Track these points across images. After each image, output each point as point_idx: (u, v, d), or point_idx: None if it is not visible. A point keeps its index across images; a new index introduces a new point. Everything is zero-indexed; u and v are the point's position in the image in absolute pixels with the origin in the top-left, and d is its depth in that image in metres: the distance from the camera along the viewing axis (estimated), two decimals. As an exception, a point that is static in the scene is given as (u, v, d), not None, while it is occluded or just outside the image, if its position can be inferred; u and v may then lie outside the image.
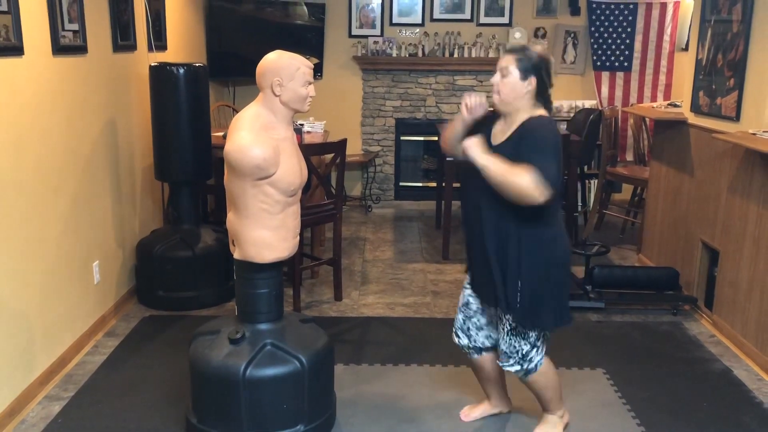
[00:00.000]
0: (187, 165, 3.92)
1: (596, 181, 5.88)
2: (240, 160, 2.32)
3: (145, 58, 4.25)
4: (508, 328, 2.50)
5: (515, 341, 2.50)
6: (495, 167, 2.24)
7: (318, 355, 2.56)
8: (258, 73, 2.44)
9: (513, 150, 2.27)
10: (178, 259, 3.93)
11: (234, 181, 2.42)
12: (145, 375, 3.20)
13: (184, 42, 5.15)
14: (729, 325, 3.64)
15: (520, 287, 2.37)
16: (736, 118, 3.58)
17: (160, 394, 3.03)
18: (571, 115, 6.27)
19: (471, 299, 2.62)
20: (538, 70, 2.31)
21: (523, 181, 2.16)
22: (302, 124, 4.80)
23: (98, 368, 3.26)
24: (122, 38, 3.92)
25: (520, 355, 2.52)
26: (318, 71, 6.33)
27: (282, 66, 2.39)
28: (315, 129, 5.01)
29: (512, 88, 2.31)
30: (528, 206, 2.20)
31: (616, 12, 6.27)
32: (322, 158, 4.43)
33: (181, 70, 3.82)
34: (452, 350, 3.52)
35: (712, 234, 3.85)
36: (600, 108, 6.31)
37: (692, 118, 4.13)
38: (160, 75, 3.84)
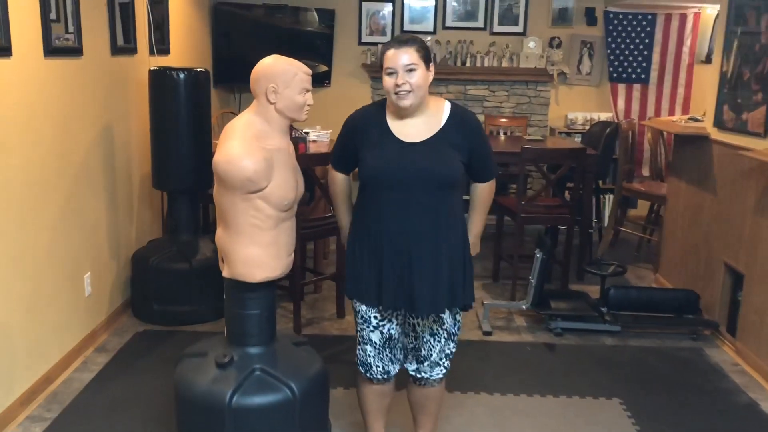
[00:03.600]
0: (186, 174, 3.77)
1: (611, 196, 5.68)
2: (229, 171, 2.16)
3: (145, 62, 4.11)
4: (444, 333, 2.36)
5: (447, 345, 2.39)
6: (483, 220, 2.43)
7: (311, 383, 2.39)
8: (252, 79, 2.28)
9: (449, 142, 2.22)
10: (175, 272, 3.77)
11: (223, 195, 2.25)
12: (134, 394, 3.04)
13: (188, 46, 5.02)
14: (754, 354, 3.43)
15: (466, 272, 2.32)
16: (764, 134, 3.38)
17: (150, 415, 2.86)
18: (587, 128, 6.08)
19: (393, 331, 2.39)
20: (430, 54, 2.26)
21: (492, 194, 2.42)
22: (307, 133, 4.64)
23: (86, 386, 3.10)
24: (121, 41, 3.78)
25: (448, 357, 2.42)
26: (326, 78, 6.18)
27: (278, 71, 2.23)
28: (321, 138, 4.85)
29: (424, 81, 2.18)
30: (454, 190, 2.27)
31: (634, 22, 6.09)
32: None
33: (182, 75, 3.68)
34: (462, 372, 3.32)
35: (737, 256, 3.64)
36: (616, 121, 6.12)
37: (715, 134, 3.93)
38: (160, 80, 3.70)
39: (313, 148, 4.53)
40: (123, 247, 3.90)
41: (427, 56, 2.20)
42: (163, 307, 3.80)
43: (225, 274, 2.36)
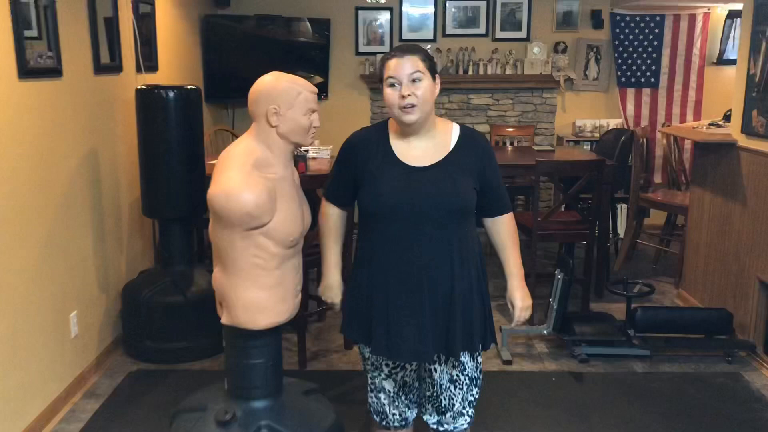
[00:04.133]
0: (178, 200, 3.50)
1: (623, 205, 5.43)
2: (226, 207, 1.89)
3: (132, 81, 3.84)
4: (466, 380, 2.11)
5: (470, 391, 2.13)
6: (519, 257, 2.16)
7: (325, 440, 2.12)
8: (250, 100, 2.02)
9: (460, 166, 1.99)
10: (168, 305, 3.50)
11: (220, 232, 1.99)
12: (125, 448, 2.76)
13: (177, 62, 4.76)
14: (798, 379, 3.17)
15: (485, 307, 2.10)
16: (802, 141, 3.14)
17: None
18: (596, 135, 5.85)
19: (407, 378, 2.15)
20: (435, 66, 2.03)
21: (515, 227, 2.16)
22: (306, 151, 4.38)
23: (72, 439, 2.82)
24: (105, 59, 3.52)
25: (472, 405, 2.16)
26: (323, 91, 5.92)
27: (280, 91, 1.97)
28: (321, 155, 4.59)
29: (431, 94, 1.95)
30: (467, 220, 2.04)
31: (642, 24, 5.86)
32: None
33: (171, 94, 3.41)
34: (484, 408, 3.07)
35: (773, 272, 3.38)
36: (626, 127, 5.88)
37: (743, 141, 3.68)
38: (147, 99, 3.43)
39: (313, 167, 4.26)
40: (112, 280, 3.62)
41: (432, 67, 1.96)
42: (156, 344, 3.51)
43: (224, 320, 2.09)
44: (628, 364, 3.53)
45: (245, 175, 1.91)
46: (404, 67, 1.90)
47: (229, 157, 1.98)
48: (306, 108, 2.00)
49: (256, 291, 2.01)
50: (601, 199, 4.03)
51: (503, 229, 2.12)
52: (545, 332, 3.65)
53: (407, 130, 1.99)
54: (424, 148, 2.01)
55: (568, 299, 3.59)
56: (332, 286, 2.13)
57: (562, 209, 4.53)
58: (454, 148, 2.01)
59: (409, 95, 1.90)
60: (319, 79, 5.90)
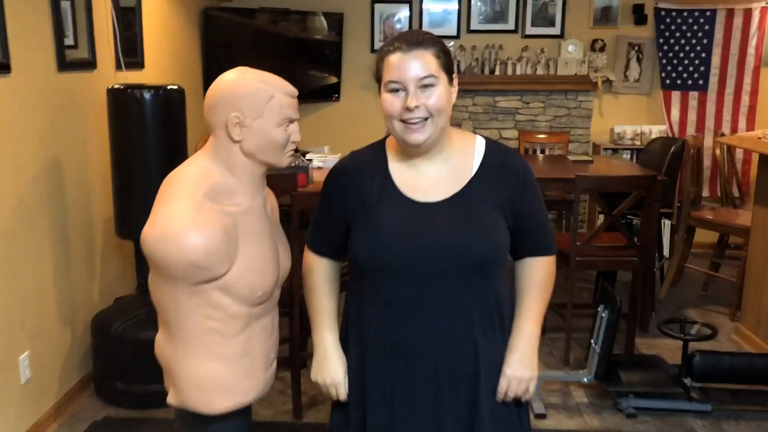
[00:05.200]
0: (156, 218, 2.99)
1: (666, 221, 4.83)
2: (165, 253, 1.36)
3: (109, 79, 3.35)
4: None
5: None
6: (538, 316, 1.57)
7: None
8: (206, 105, 1.49)
9: (486, 198, 1.48)
10: (142, 342, 2.97)
11: (160, 286, 1.46)
12: None
13: (169, 59, 4.26)
14: None
15: None
16: None
17: None
18: (636, 143, 5.26)
19: None
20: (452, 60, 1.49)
21: (552, 276, 1.60)
22: (310, 160, 3.85)
23: None
24: (74, 54, 3.03)
25: None
26: (335, 92, 5.40)
27: (244, 93, 1.45)
28: (328, 164, 4.06)
29: (447, 103, 1.44)
30: (497, 272, 1.51)
31: (690, 20, 5.25)
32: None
33: (147, 95, 2.91)
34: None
35: None
36: (671, 134, 5.28)
37: (826, 155, 3.09)
38: (120, 100, 2.93)
39: (317, 178, 3.73)
40: (81, 310, 3.12)
41: (449, 64, 1.43)
42: (129, 387, 3.01)
43: (171, 400, 1.56)
44: (685, 420, 2.95)
45: (194, 209, 1.38)
46: (411, 67, 1.38)
47: (174, 183, 1.45)
48: (281, 117, 1.47)
49: (212, 364, 1.49)
50: (651, 220, 3.45)
51: (536, 274, 1.58)
52: (585, 380, 3.09)
53: (413, 152, 1.47)
54: (435, 175, 1.48)
55: (613, 342, 3.02)
56: (334, 377, 1.57)
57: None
58: (477, 172, 1.49)
59: (417, 107, 1.38)
60: (333, 79, 5.40)
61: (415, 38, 1.42)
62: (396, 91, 1.40)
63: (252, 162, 1.49)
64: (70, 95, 3.01)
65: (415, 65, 1.39)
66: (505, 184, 1.49)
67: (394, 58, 1.40)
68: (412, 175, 1.49)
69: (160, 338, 1.54)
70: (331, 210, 1.55)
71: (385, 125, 1.45)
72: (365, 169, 1.52)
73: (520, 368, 1.52)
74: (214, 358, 1.49)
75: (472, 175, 1.49)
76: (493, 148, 1.53)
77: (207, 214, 1.39)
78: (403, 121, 1.41)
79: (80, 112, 3.10)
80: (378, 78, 1.45)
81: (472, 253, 1.42)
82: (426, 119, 1.40)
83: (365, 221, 1.47)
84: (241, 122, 1.45)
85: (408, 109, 1.39)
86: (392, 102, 1.41)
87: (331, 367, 1.56)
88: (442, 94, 1.41)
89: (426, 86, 1.40)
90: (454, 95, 1.47)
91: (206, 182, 1.44)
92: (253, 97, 1.44)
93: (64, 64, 2.93)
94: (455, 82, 1.48)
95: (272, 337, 1.60)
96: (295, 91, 1.50)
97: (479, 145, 1.53)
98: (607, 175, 3.43)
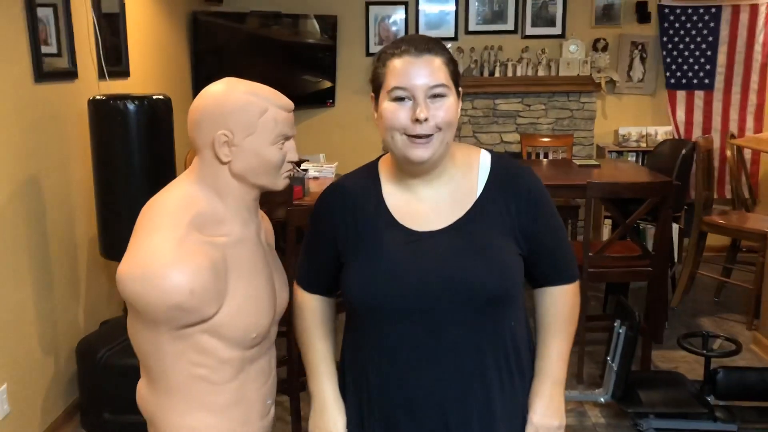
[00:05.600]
0: (143, 236, 2.81)
1: (674, 225, 4.68)
2: (143, 294, 1.18)
3: (92, 89, 3.16)
4: None
5: None
6: (564, 353, 1.40)
7: None
8: (190, 121, 1.31)
9: (494, 222, 1.30)
10: (130, 369, 2.76)
11: (139, 329, 1.28)
12: None
13: (157, 68, 4.07)
14: None
15: None
16: None
17: None
18: (642, 145, 5.10)
19: None
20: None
21: (577, 305, 1.42)
22: (306, 170, 3.67)
23: None
24: (53, 63, 2.84)
25: None
26: (329, 97, 5.22)
27: (233, 107, 1.26)
28: (324, 174, 3.89)
29: (455, 116, 1.27)
30: (511, 308, 1.34)
31: (695, 17, 5.10)
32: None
33: (131, 105, 2.72)
34: None
35: None
36: (679, 136, 5.12)
37: None
38: (102, 112, 2.74)
39: (314, 189, 3.56)
40: (64, 336, 2.93)
41: (457, 75, 1.27)
42: (116, 417, 2.82)
43: (155, 457, 1.37)
44: (710, 442, 2.79)
45: (176, 243, 1.20)
46: (421, 73, 1.21)
47: (154, 213, 1.27)
48: (275, 133, 1.29)
49: (201, 415, 1.30)
50: (666, 228, 3.28)
51: (557, 306, 1.40)
52: (602, 399, 2.91)
53: (412, 171, 1.29)
54: (435, 199, 1.31)
55: (632, 360, 2.85)
56: (332, 430, 1.39)
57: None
58: (482, 194, 1.31)
59: (426, 119, 1.21)
60: (327, 84, 5.22)
61: (424, 43, 1.24)
62: (401, 99, 1.23)
63: (243, 185, 1.31)
64: (48, 107, 2.82)
65: (425, 72, 1.22)
66: (514, 204, 1.31)
67: (400, 63, 1.23)
68: (409, 201, 1.31)
69: (141, 387, 1.36)
70: (321, 242, 1.38)
71: (384, 139, 1.27)
72: (357, 194, 1.34)
73: (548, 415, 1.35)
74: (203, 408, 1.30)
75: (477, 197, 1.31)
76: (498, 164, 1.35)
77: (192, 247, 1.21)
78: (408, 135, 1.23)
79: (60, 125, 2.92)
80: (376, 84, 1.27)
81: (480, 288, 1.25)
82: (432, 136, 1.23)
83: (357, 255, 1.30)
84: (230, 141, 1.27)
85: (417, 121, 1.21)
86: (395, 112, 1.23)
87: (329, 420, 1.39)
88: (452, 106, 1.24)
89: (436, 96, 1.23)
90: (459, 110, 1.30)
91: (190, 210, 1.26)
92: (242, 112, 1.26)
93: (42, 75, 2.74)
94: (461, 95, 1.31)
95: (269, 382, 1.42)
96: (290, 105, 1.32)
97: (484, 161, 1.35)
98: (620, 182, 3.26)
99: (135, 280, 1.18)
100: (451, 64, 1.26)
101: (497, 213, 1.30)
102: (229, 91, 1.27)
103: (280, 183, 1.33)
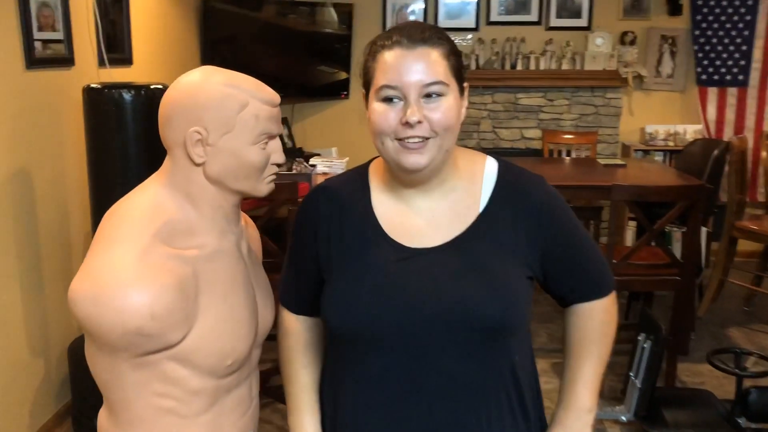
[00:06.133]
0: (139, 233, 2.66)
1: (702, 229, 4.44)
2: (98, 318, 1.02)
3: (90, 77, 3.01)
4: None
5: None
6: (594, 382, 1.22)
7: None
8: (160, 115, 1.14)
9: (500, 241, 1.12)
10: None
11: (96, 355, 1.12)
12: None
13: (161, 55, 3.92)
14: None
15: None
16: None
17: None
18: (670, 144, 4.86)
19: None
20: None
21: (613, 324, 1.23)
22: (314, 165, 3.50)
23: None
24: (47, 49, 2.69)
25: None
26: (344, 89, 5.05)
27: (208, 100, 1.09)
28: (335, 168, 3.71)
29: (457, 118, 1.09)
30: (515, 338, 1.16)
31: (730, 10, 4.84)
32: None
33: (128, 95, 2.56)
34: None
35: None
36: (710, 135, 4.87)
37: None
38: (97, 101, 2.58)
39: (323, 185, 3.38)
40: (55, 336, 2.80)
41: (460, 69, 1.09)
42: (109, 423, 2.68)
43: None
44: (741, 468, 2.58)
45: (137, 257, 1.03)
46: (413, 68, 1.05)
47: (115, 221, 1.10)
48: (256, 132, 1.11)
49: (168, 452, 1.14)
50: (696, 235, 3.07)
51: (587, 325, 1.22)
52: (623, 418, 2.72)
53: (406, 181, 1.12)
54: (432, 211, 1.13)
55: (657, 377, 2.65)
56: None
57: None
58: (486, 207, 1.13)
59: (418, 121, 1.03)
60: (342, 75, 5.05)
61: (419, 32, 1.06)
62: (390, 100, 1.06)
63: (219, 191, 1.14)
64: (41, 96, 2.68)
65: (418, 67, 1.04)
66: (523, 220, 1.13)
67: (390, 56, 1.06)
68: (402, 212, 1.14)
69: (102, 418, 1.20)
70: (305, 255, 1.20)
71: (375, 144, 1.10)
72: (342, 201, 1.17)
73: None
74: (170, 445, 1.14)
75: (480, 211, 1.13)
76: (506, 173, 1.17)
77: (156, 262, 1.04)
78: (399, 140, 1.06)
79: (54, 114, 2.77)
80: (366, 81, 1.10)
81: (480, 316, 1.07)
82: (427, 140, 1.05)
83: (339, 273, 1.13)
84: (204, 139, 1.09)
85: (407, 125, 1.04)
86: (384, 114, 1.05)
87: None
88: (451, 107, 1.06)
89: (431, 95, 1.05)
90: (464, 110, 1.12)
91: (158, 218, 1.09)
92: (219, 107, 1.09)
93: (34, 61, 2.59)
94: (466, 92, 1.12)
95: (249, 412, 1.25)
96: (275, 98, 1.15)
97: (489, 169, 1.17)
98: (649, 185, 3.04)
99: (87, 301, 1.02)
100: (453, 56, 1.08)
101: (503, 230, 1.12)
102: (203, 82, 1.10)
103: (262, 189, 1.16)
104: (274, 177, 1.17)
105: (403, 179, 1.12)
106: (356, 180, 1.19)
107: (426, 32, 1.06)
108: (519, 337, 1.15)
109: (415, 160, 1.06)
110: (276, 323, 1.30)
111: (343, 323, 1.10)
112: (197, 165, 1.11)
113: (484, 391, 1.11)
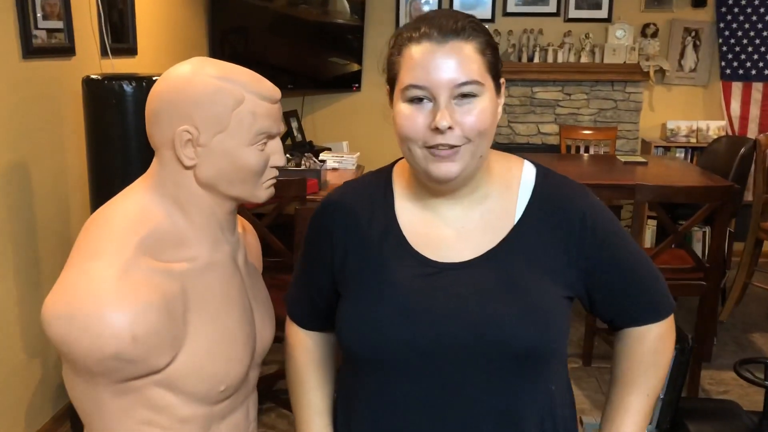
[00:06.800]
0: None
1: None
2: (73, 340, 0.91)
3: (92, 68, 2.90)
4: None
5: None
6: (647, 407, 1.10)
7: None
8: (147, 111, 1.02)
9: (536, 258, 1.00)
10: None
11: (75, 381, 1.00)
12: None
13: (168, 45, 3.80)
14: None
15: None
16: None
17: None
18: (692, 141, 4.70)
19: None
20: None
21: (668, 351, 1.11)
22: (324, 161, 3.37)
23: None
24: (45, 38, 2.58)
25: None
26: (356, 81, 4.91)
27: (199, 95, 0.97)
28: (345, 165, 3.59)
29: (492, 121, 0.96)
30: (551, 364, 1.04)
31: (756, 2, 4.66)
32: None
33: (128, 87, 2.45)
34: None
35: None
36: (734, 132, 4.71)
37: None
38: (97, 93, 2.47)
39: (332, 181, 3.26)
40: (54, 336, 2.70)
41: (497, 64, 0.97)
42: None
43: None
44: (769, 485, 2.45)
45: (118, 272, 0.91)
46: (444, 66, 0.93)
47: (96, 231, 0.99)
48: (254, 131, 0.99)
49: (154, 486, 1.03)
50: (723, 237, 2.92)
51: (635, 349, 1.10)
52: (646, 430, 2.59)
53: (435, 189, 1.00)
54: (462, 222, 1.01)
55: (682, 388, 2.52)
56: None
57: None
58: (522, 218, 1.01)
59: (450, 127, 0.91)
60: (354, 67, 4.92)
61: (451, 22, 0.94)
62: (419, 101, 0.93)
63: (212, 196, 1.02)
64: (40, 86, 2.57)
65: (449, 63, 0.92)
66: (563, 234, 1.01)
67: (417, 51, 0.93)
68: (429, 222, 1.02)
69: (82, 446, 1.09)
70: (316, 266, 1.09)
71: (401, 149, 0.98)
72: (362, 208, 1.05)
73: None
74: (157, 478, 1.02)
75: (515, 222, 1.01)
76: (544, 181, 1.04)
77: (139, 278, 0.92)
78: (428, 147, 0.93)
79: (54, 106, 2.66)
80: (391, 75, 0.97)
81: (514, 339, 0.96)
82: (459, 148, 0.93)
83: (358, 289, 1.02)
84: (195, 139, 0.97)
85: (436, 130, 0.91)
86: (411, 118, 0.93)
87: None
88: (486, 109, 0.94)
89: (465, 96, 0.92)
90: (500, 109, 0.99)
91: (142, 228, 0.97)
92: (211, 103, 0.97)
93: (31, 50, 2.48)
94: (503, 89, 0.99)
95: (246, 438, 1.14)
96: (275, 93, 1.02)
97: (527, 176, 1.04)
98: (674, 185, 2.90)
99: (61, 321, 0.90)
100: (489, 50, 0.95)
101: (540, 244, 1.00)
102: (194, 75, 0.98)
103: (260, 194, 1.04)
104: (273, 181, 1.05)
105: (431, 187, 1.00)
106: (378, 184, 1.08)
107: (459, 23, 0.93)
108: (556, 363, 1.03)
109: (446, 169, 0.94)
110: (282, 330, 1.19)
111: (361, 347, 0.99)
112: (187, 168, 0.99)
113: (517, 425, 0.99)
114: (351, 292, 1.03)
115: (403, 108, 0.95)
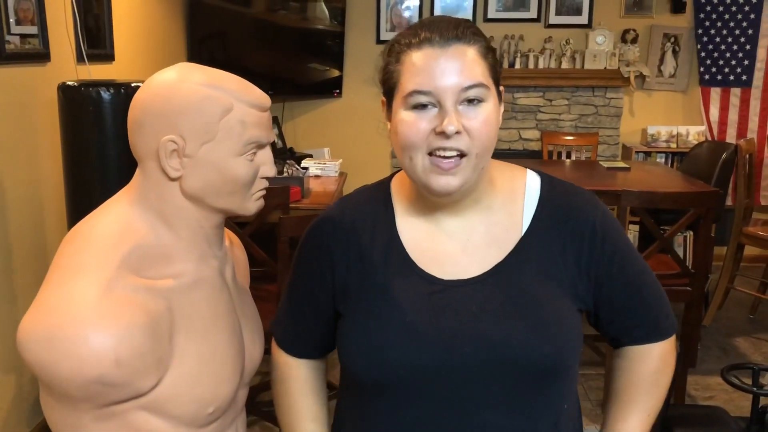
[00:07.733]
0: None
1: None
2: (51, 364, 0.85)
3: (68, 74, 2.83)
4: None
5: None
6: (646, 425, 1.07)
7: None
8: (130, 120, 0.97)
9: (545, 270, 0.96)
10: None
11: (54, 407, 0.95)
12: None
13: (145, 51, 3.73)
14: None
15: None
16: None
17: None
18: (672, 146, 4.73)
19: None
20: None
21: (669, 369, 1.08)
22: (306, 168, 3.32)
23: None
24: (18, 43, 2.51)
25: None
26: (336, 87, 4.87)
27: (185, 104, 0.93)
28: (327, 171, 3.54)
29: (495, 130, 0.94)
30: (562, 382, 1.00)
31: (734, 8, 4.71)
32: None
33: (106, 94, 2.38)
34: None
35: None
36: (712, 137, 4.75)
37: None
38: (74, 100, 2.41)
39: (316, 188, 3.21)
40: (29, 350, 2.61)
41: (496, 68, 0.97)
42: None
43: None
44: (758, 492, 2.44)
45: (100, 291, 0.86)
46: (448, 70, 0.90)
47: (76, 247, 0.93)
48: (243, 141, 0.95)
49: None
50: (708, 243, 2.92)
51: (636, 368, 1.07)
52: (634, 438, 2.57)
53: (436, 202, 0.96)
54: (467, 235, 0.98)
55: (670, 394, 2.51)
56: None
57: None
58: (529, 230, 0.98)
59: (457, 132, 0.87)
60: (335, 73, 4.88)
61: (451, 27, 0.91)
62: (422, 107, 0.89)
63: (199, 209, 0.97)
64: (13, 94, 2.49)
65: (453, 67, 0.89)
66: (573, 244, 0.98)
67: (419, 57, 0.90)
68: (432, 235, 0.98)
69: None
70: (313, 287, 1.04)
71: (401, 161, 0.94)
72: (363, 225, 1.01)
73: None
74: (142, 507, 0.97)
75: (522, 234, 0.98)
76: (551, 190, 1.01)
77: (122, 296, 0.87)
78: (436, 157, 0.89)
79: (28, 114, 2.59)
80: (388, 86, 0.93)
81: (527, 357, 0.92)
82: (463, 157, 0.90)
83: (361, 310, 0.97)
84: (181, 149, 0.93)
85: (442, 134, 0.87)
86: (415, 124, 0.89)
87: None
88: (492, 116, 0.91)
89: (470, 102, 0.89)
90: (501, 118, 0.96)
91: (125, 243, 0.92)
92: (198, 111, 0.92)
93: (4, 56, 2.41)
94: (503, 96, 0.97)
95: (235, 462, 1.09)
96: (265, 101, 0.98)
97: (531, 185, 1.02)
98: (661, 191, 2.89)
99: (39, 344, 0.85)
100: (490, 54, 0.93)
101: (550, 255, 0.97)
102: (179, 82, 0.93)
103: (250, 207, 0.99)
104: (263, 193, 1.01)
105: (431, 199, 0.97)
106: (377, 198, 1.03)
107: (459, 27, 0.90)
108: (569, 381, 0.99)
109: (446, 182, 0.90)
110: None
111: (367, 371, 0.95)
112: (172, 179, 0.94)
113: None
114: (353, 313, 0.99)
115: (405, 115, 0.91)
